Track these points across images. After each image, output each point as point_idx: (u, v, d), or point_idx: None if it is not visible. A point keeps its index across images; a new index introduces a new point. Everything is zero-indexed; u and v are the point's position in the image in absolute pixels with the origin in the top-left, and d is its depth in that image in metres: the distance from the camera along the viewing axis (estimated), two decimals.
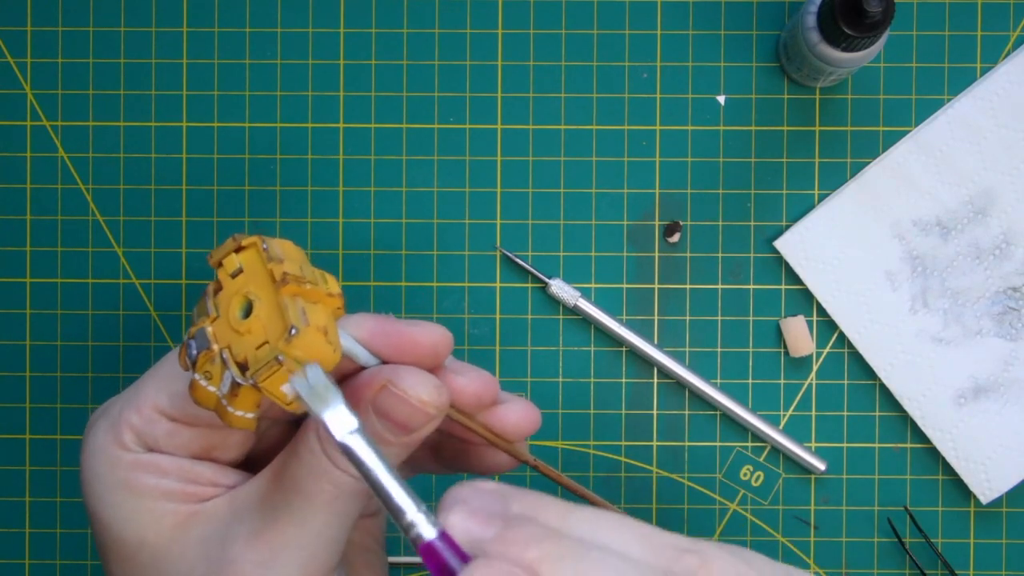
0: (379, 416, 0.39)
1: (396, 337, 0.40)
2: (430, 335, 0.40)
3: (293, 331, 0.35)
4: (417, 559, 0.66)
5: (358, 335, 0.40)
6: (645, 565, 0.34)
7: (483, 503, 0.35)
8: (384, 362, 0.40)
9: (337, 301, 0.37)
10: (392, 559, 0.66)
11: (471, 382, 0.42)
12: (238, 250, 0.38)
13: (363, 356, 0.40)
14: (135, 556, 0.40)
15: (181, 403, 0.40)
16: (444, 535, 0.34)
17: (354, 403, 0.39)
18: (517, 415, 0.43)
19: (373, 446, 0.36)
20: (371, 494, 0.39)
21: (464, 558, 0.34)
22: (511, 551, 0.33)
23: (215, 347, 0.37)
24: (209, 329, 0.38)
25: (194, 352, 0.38)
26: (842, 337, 0.66)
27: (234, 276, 0.38)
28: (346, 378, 0.40)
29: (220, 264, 0.38)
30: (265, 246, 0.37)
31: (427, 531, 0.35)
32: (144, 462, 0.40)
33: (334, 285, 0.38)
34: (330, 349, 0.36)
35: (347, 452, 0.36)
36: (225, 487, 0.41)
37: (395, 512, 0.35)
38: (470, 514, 0.35)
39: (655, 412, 0.66)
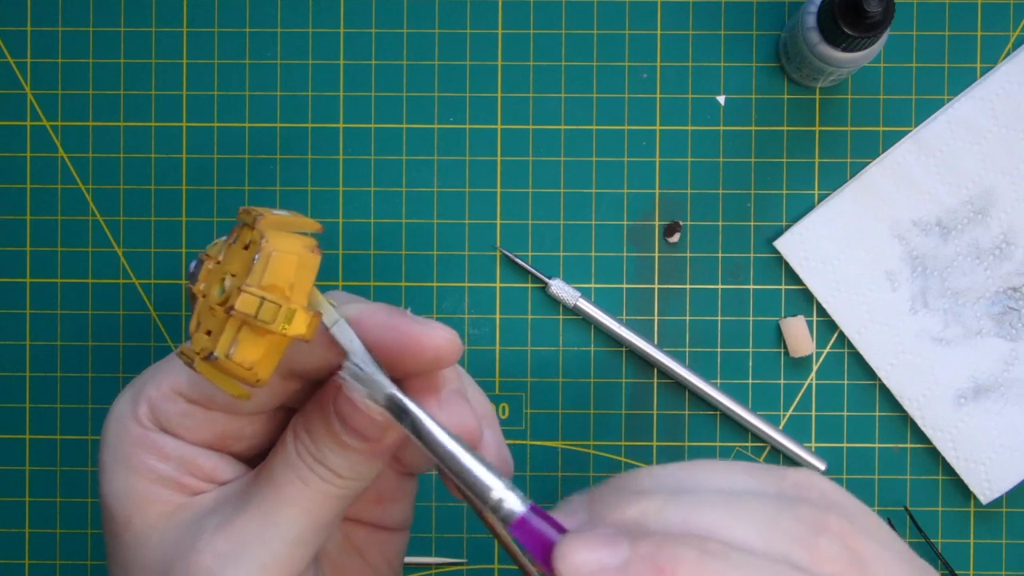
0: (339, 420, 0.38)
1: (400, 333, 0.38)
2: (434, 337, 0.38)
3: (213, 356, 0.35)
4: (443, 559, 0.66)
5: (364, 325, 0.38)
6: (754, 493, 0.33)
7: (563, 508, 0.35)
8: (380, 363, 0.39)
9: (288, 339, 0.36)
10: (420, 559, 0.66)
11: (447, 420, 0.39)
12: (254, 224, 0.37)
13: (358, 350, 0.38)
14: (121, 533, 0.40)
15: (200, 385, 0.40)
16: (535, 508, 0.34)
17: (322, 404, 0.39)
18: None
19: (446, 430, 0.35)
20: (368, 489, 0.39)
21: (560, 528, 0.33)
22: (605, 519, 0.32)
23: (198, 287, 0.37)
24: (209, 267, 0.37)
25: (189, 272, 0.38)
26: (842, 337, 0.66)
27: (245, 248, 0.37)
28: (332, 374, 0.40)
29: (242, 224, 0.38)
30: (257, 256, 0.36)
31: (518, 506, 0.34)
32: (149, 441, 0.40)
33: (298, 326, 0.36)
34: (248, 381, 0.36)
35: (416, 430, 0.35)
36: (220, 483, 0.41)
37: (480, 490, 0.35)
38: (592, 544, 0.33)
39: (655, 412, 0.66)
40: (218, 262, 0.37)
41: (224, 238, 0.38)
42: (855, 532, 0.32)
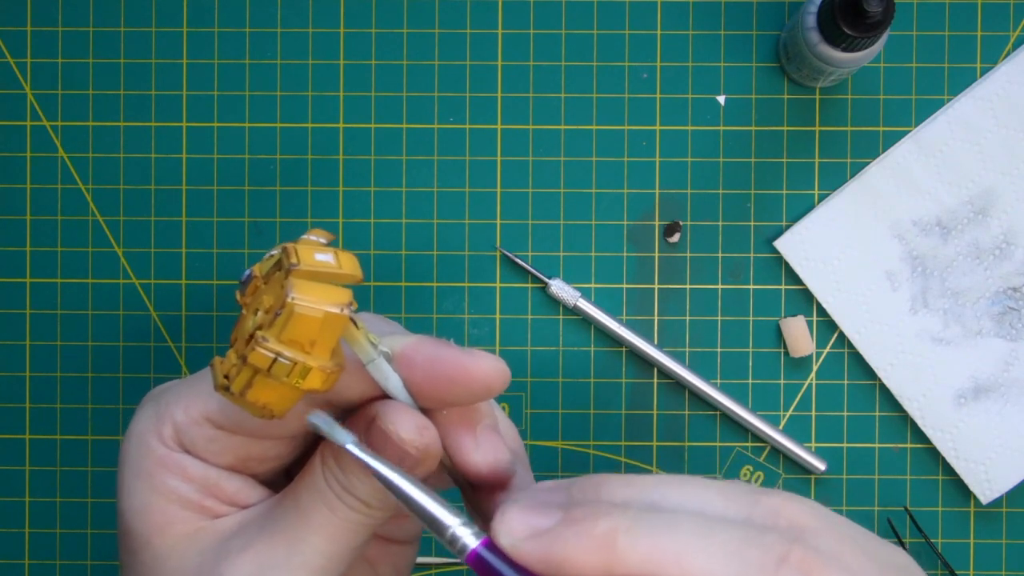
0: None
1: (449, 365, 0.38)
2: (484, 367, 0.38)
3: (228, 389, 0.36)
4: (443, 560, 0.66)
5: (413, 359, 0.38)
6: (723, 518, 0.33)
7: (541, 498, 0.35)
8: (415, 398, 0.39)
9: (302, 392, 0.36)
10: (421, 559, 0.66)
11: (480, 463, 0.39)
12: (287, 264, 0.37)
13: (394, 386, 0.38)
14: (138, 552, 0.40)
15: (230, 412, 0.39)
16: (488, 542, 0.34)
17: (353, 433, 0.38)
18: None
19: (402, 474, 0.35)
20: (387, 515, 0.39)
21: (513, 564, 0.34)
22: (579, 530, 0.33)
23: (244, 300, 0.37)
24: (257, 283, 0.37)
25: (241, 281, 0.38)
26: (842, 337, 0.66)
27: (283, 287, 0.37)
28: (364, 405, 0.39)
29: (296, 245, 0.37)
30: (291, 296, 0.35)
31: (471, 541, 0.34)
32: (172, 461, 0.40)
33: (312, 381, 0.36)
34: (263, 416, 0.36)
35: (376, 473, 0.35)
36: (242, 507, 0.40)
37: (435, 526, 0.35)
38: (529, 509, 0.34)
39: (655, 412, 0.66)
40: (265, 282, 0.37)
41: (278, 251, 0.37)
42: (821, 562, 0.33)
